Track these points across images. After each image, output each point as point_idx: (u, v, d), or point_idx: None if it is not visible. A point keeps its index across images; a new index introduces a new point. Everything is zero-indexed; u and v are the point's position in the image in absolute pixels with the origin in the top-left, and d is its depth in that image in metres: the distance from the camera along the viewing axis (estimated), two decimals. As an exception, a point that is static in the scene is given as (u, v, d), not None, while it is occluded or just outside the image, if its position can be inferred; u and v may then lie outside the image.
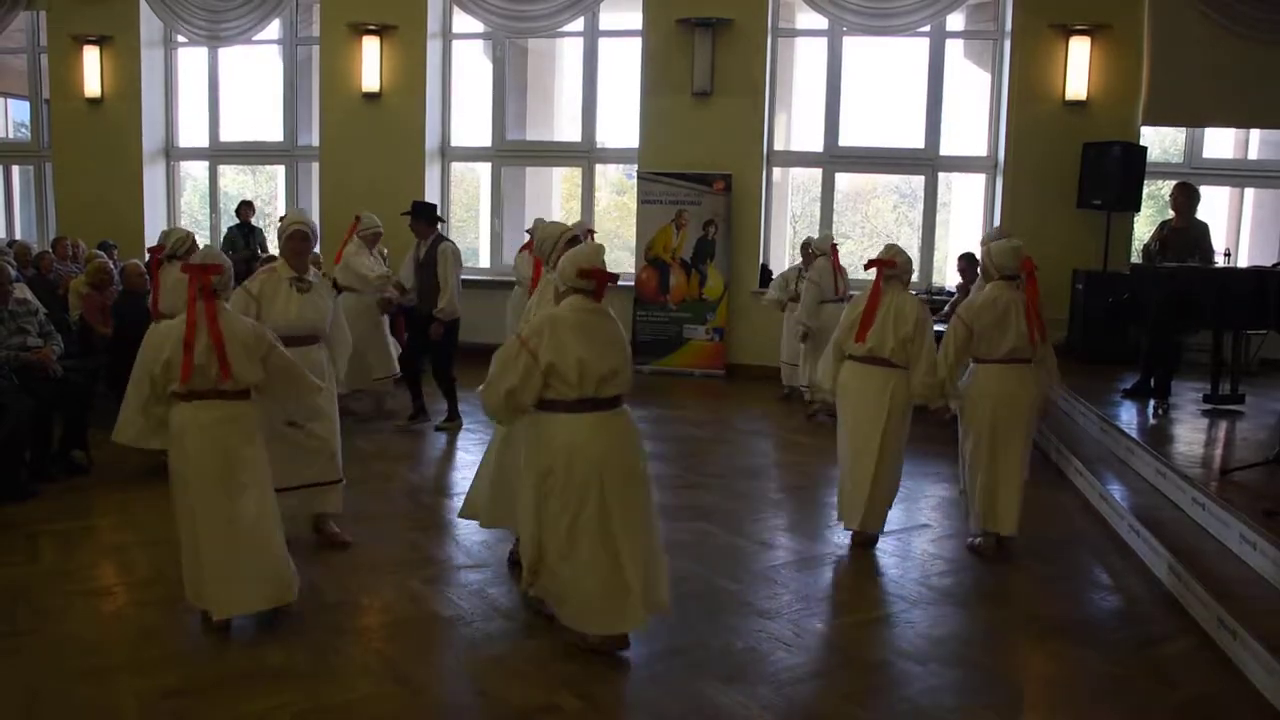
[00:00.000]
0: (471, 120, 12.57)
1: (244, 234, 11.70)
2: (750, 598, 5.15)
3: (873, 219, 13.99)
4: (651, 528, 4.51)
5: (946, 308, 8.56)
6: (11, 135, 15.08)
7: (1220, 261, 8.83)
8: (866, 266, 6.00)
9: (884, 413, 5.71)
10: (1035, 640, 4.81)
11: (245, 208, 11.82)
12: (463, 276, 9.28)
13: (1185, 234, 8.68)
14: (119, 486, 6.69)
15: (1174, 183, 9.41)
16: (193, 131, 13.38)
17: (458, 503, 6.80)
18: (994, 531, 5.76)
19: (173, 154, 13.36)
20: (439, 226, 8.54)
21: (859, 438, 5.80)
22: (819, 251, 9.41)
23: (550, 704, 4.00)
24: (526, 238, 9.69)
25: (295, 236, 5.60)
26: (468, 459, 7.92)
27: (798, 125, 12.24)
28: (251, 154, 13.72)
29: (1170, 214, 8.86)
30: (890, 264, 5.80)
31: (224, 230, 12.25)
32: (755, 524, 6.31)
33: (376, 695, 4.06)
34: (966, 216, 12.12)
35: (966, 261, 9.22)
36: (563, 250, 4.91)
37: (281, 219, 6.90)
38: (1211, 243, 8.83)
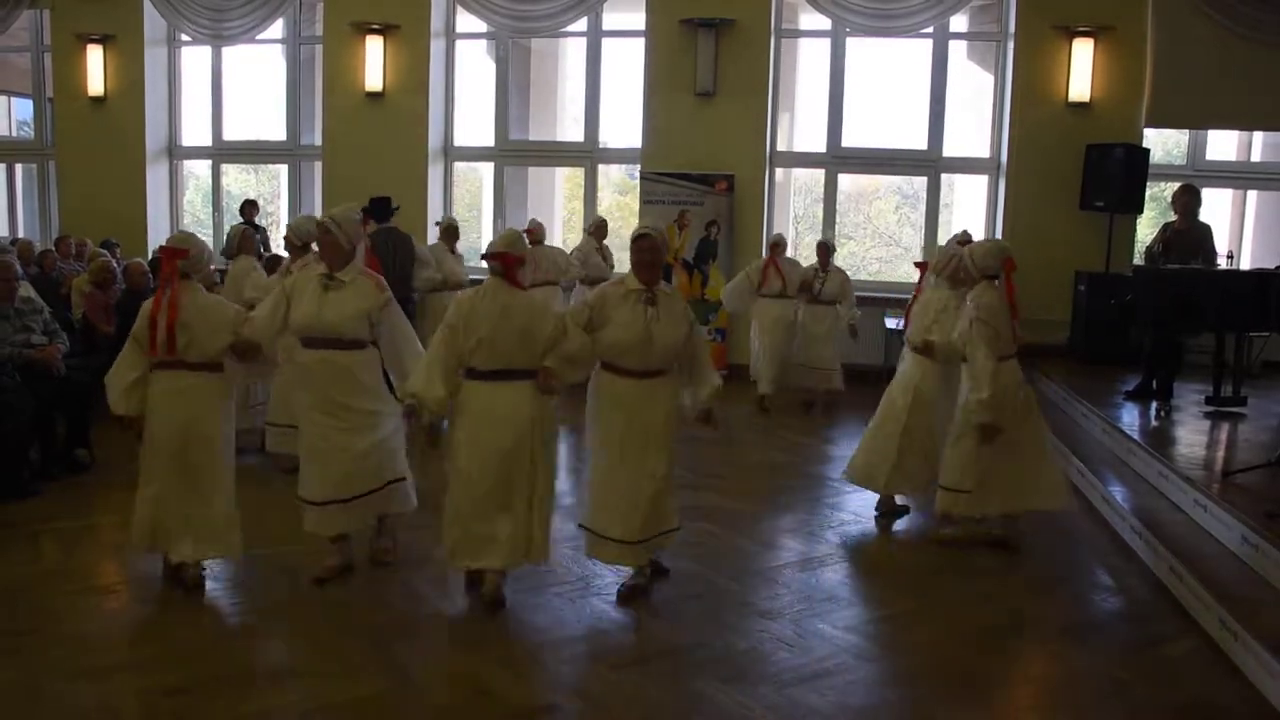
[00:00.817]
0: (474, 120, 12.57)
1: (247, 233, 11.70)
2: (751, 598, 5.16)
3: (875, 220, 13.99)
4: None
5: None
6: (15, 134, 15.10)
7: (1223, 264, 8.82)
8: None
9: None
10: (1037, 642, 4.81)
11: (249, 207, 11.84)
12: (469, 276, 9.55)
13: (1188, 235, 8.67)
14: (120, 485, 6.68)
15: (1177, 185, 9.41)
16: (196, 130, 13.39)
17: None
18: (1041, 509, 5.93)
19: (176, 153, 13.37)
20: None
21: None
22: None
23: (551, 704, 4.01)
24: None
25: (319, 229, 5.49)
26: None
27: (800, 126, 12.24)
28: (254, 153, 13.73)
29: (1173, 216, 8.86)
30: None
31: (227, 229, 12.25)
32: (757, 524, 6.32)
33: (379, 694, 4.06)
34: (969, 218, 12.11)
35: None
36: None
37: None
38: (1214, 244, 8.82)
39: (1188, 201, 8.76)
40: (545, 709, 3.98)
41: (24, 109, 14.55)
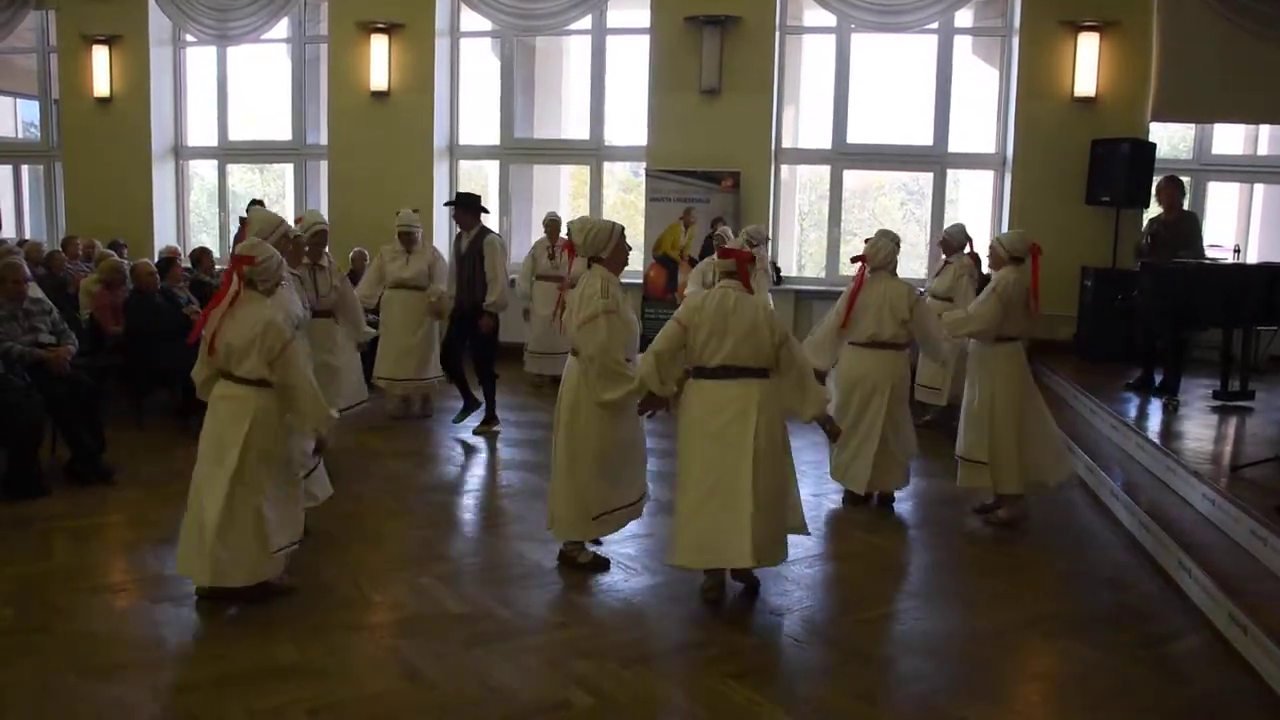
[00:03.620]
0: (479, 118, 12.57)
1: (253, 233, 11.72)
2: (760, 594, 5.16)
3: (880, 216, 13.96)
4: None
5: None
6: (21, 135, 15.13)
7: (1229, 258, 8.81)
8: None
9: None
10: (1045, 637, 4.81)
11: (255, 206, 11.83)
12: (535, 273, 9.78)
13: (1175, 227, 8.70)
14: (131, 484, 6.72)
15: (1184, 180, 9.41)
16: (201, 130, 13.40)
17: (468, 500, 6.86)
18: (1047, 481, 6.33)
19: (182, 153, 13.39)
20: (482, 218, 8.47)
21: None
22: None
23: (561, 700, 4.02)
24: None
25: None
26: (477, 456, 7.95)
27: (806, 122, 12.23)
28: (260, 153, 13.73)
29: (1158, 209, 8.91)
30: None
31: (233, 229, 12.27)
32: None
33: (388, 691, 4.08)
34: (975, 213, 12.09)
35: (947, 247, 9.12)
36: (618, 243, 5.31)
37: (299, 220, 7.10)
38: (1202, 235, 8.84)
39: (1172, 193, 8.78)
40: (555, 706, 3.99)
41: (30, 110, 14.58)
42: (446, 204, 8.69)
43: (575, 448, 5.27)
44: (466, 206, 8.31)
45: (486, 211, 8.61)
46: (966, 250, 8.78)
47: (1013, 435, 6.18)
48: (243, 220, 9.49)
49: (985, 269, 7.13)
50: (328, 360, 6.72)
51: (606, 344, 5.08)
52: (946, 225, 9.75)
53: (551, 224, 10.36)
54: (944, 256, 9.00)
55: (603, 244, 5.26)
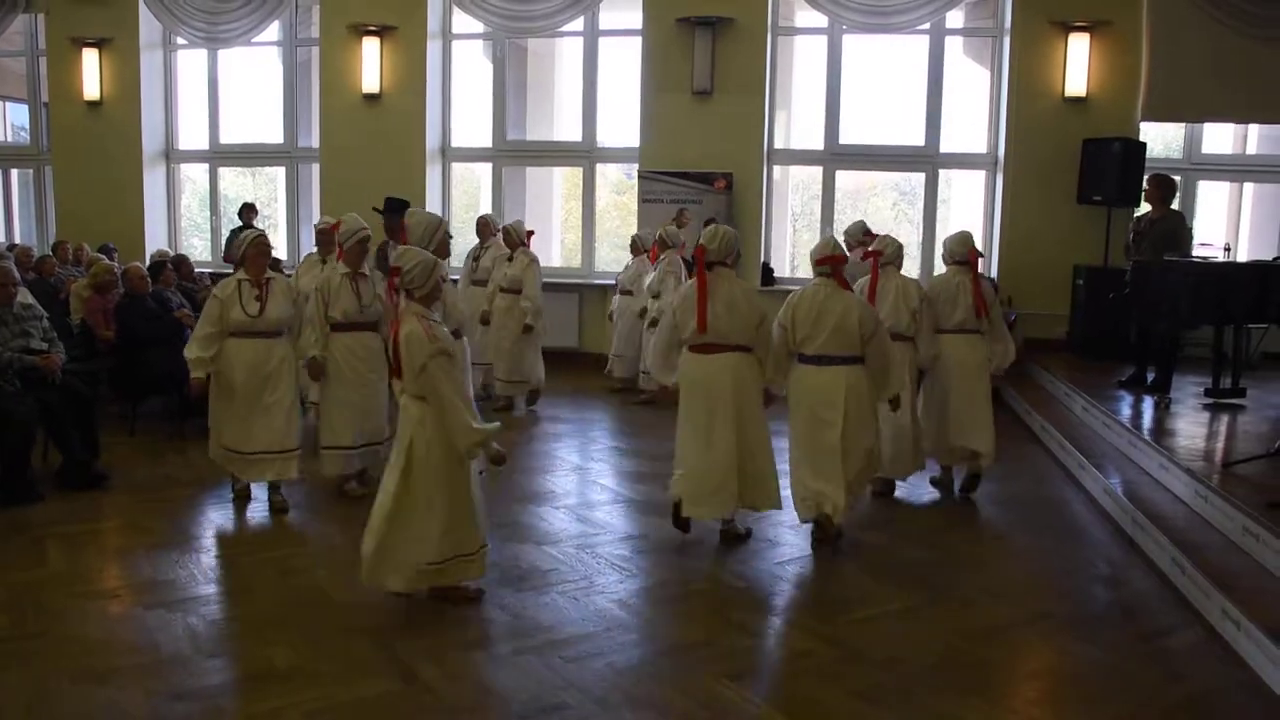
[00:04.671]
0: (472, 121, 12.57)
1: (246, 236, 11.70)
2: (757, 594, 5.17)
3: (872, 216, 13.97)
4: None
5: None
6: (10, 139, 15.09)
7: (1220, 256, 8.85)
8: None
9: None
10: (1040, 635, 4.82)
11: (247, 210, 11.81)
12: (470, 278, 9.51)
13: (1160, 225, 8.75)
14: (124, 490, 6.70)
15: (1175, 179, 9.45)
16: (192, 134, 13.38)
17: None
18: (969, 448, 6.82)
19: (173, 156, 13.37)
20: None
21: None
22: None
23: (558, 702, 4.01)
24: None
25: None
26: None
27: (798, 123, 12.25)
28: (251, 156, 13.69)
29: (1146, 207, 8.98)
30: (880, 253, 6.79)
31: (225, 233, 12.25)
32: (761, 521, 6.31)
33: (385, 694, 4.07)
34: (967, 213, 12.13)
35: None
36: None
37: (333, 222, 6.98)
38: (1187, 232, 8.90)
39: (1157, 191, 8.85)
40: (552, 708, 3.98)
41: (19, 114, 14.54)
42: (376, 210, 8.29)
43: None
44: (400, 214, 7.64)
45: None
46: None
47: (943, 408, 6.82)
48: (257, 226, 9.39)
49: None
50: (373, 378, 6.49)
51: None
52: (940, 226, 9.79)
53: (484, 225, 9.82)
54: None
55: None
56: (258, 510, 6.36)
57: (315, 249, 8.35)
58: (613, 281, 10.85)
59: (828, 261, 5.72)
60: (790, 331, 5.72)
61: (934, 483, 7.10)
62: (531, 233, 9.48)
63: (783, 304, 5.82)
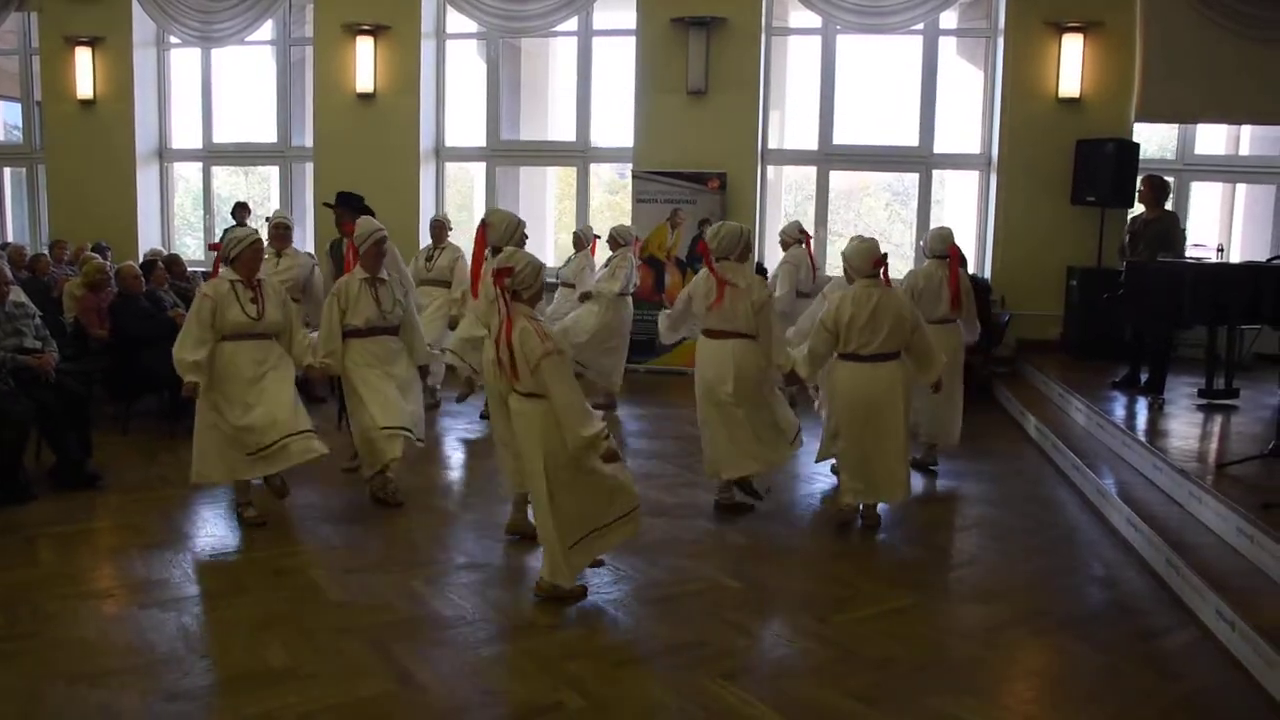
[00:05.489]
0: (466, 120, 12.56)
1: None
2: (751, 594, 5.16)
3: (865, 216, 14.00)
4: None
5: None
6: (3, 137, 15.03)
7: (1213, 257, 8.87)
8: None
9: None
10: (1034, 635, 4.82)
11: (240, 209, 11.80)
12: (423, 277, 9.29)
13: (1154, 226, 8.78)
14: (118, 489, 6.68)
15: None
16: (186, 133, 13.35)
17: (458, 504, 6.84)
18: (939, 441, 7.36)
19: (166, 155, 13.34)
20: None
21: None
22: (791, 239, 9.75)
23: (553, 702, 4.01)
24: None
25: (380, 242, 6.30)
26: (468, 460, 7.94)
27: (792, 123, 12.25)
28: (245, 155, 13.68)
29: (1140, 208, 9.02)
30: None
31: (219, 232, 12.22)
32: (754, 522, 6.32)
33: (379, 695, 4.06)
34: (960, 214, 12.14)
35: None
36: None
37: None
38: (1181, 234, 8.93)
39: (1150, 192, 8.89)
40: (548, 708, 3.98)
41: (12, 112, 14.47)
42: (325, 204, 8.06)
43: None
44: (355, 208, 7.51)
45: (371, 213, 7.69)
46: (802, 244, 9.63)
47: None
48: (438, 223, 9.38)
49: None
50: (397, 372, 6.44)
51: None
52: (933, 226, 9.80)
53: (439, 226, 9.40)
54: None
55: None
56: (251, 510, 6.34)
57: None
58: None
59: (880, 265, 6.03)
60: (842, 334, 5.99)
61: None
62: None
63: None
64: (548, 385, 4.72)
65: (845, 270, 6.28)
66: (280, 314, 6.11)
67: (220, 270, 6.03)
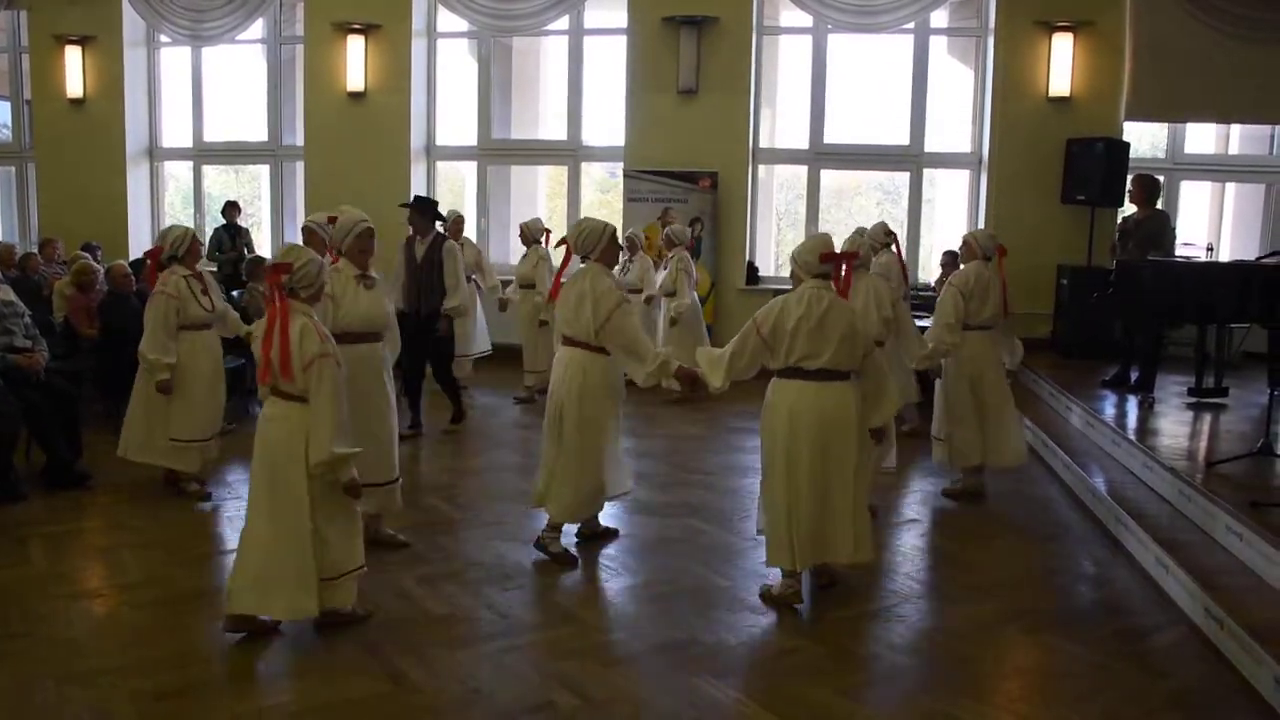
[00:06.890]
0: (457, 119, 12.55)
1: (230, 235, 11.67)
2: (742, 593, 5.16)
3: (857, 215, 14.02)
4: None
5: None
6: (-7, 136, 14.98)
7: (1202, 256, 8.90)
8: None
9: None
10: (1025, 633, 4.84)
11: (231, 208, 11.77)
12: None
13: (1145, 225, 8.82)
14: (107, 489, 6.66)
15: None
16: (176, 132, 13.30)
17: (450, 503, 6.83)
18: (996, 465, 6.82)
19: (156, 154, 13.29)
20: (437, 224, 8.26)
21: None
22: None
23: (545, 701, 4.01)
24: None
25: (365, 235, 5.50)
26: (461, 460, 7.93)
27: (783, 122, 12.25)
28: (235, 154, 13.63)
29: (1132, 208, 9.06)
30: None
31: (209, 231, 12.19)
32: (746, 520, 6.32)
33: (371, 694, 4.06)
34: (951, 213, 12.18)
35: (950, 258, 9.29)
36: (608, 246, 5.55)
37: (329, 218, 6.12)
38: (1171, 233, 8.97)
39: (1140, 192, 8.92)
40: (539, 707, 3.98)
41: (2, 111, 14.41)
42: (402, 205, 8.39)
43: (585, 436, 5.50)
44: (424, 212, 8.18)
45: (442, 219, 8.50)
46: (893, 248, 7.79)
47: (973, 412, 6.64)
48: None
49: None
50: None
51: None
52: (924, 225, 9.84)
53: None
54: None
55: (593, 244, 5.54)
56: (239, 508, 6.31)
57: None
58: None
59: (840, 259, 5.01)
60: (782, 345, 4.87)
61: (947, 493, 6.92)
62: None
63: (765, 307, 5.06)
64: (317, 386, 4.33)
65: (791, 272, 5.14)
66: (223, 302, 6.86)
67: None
